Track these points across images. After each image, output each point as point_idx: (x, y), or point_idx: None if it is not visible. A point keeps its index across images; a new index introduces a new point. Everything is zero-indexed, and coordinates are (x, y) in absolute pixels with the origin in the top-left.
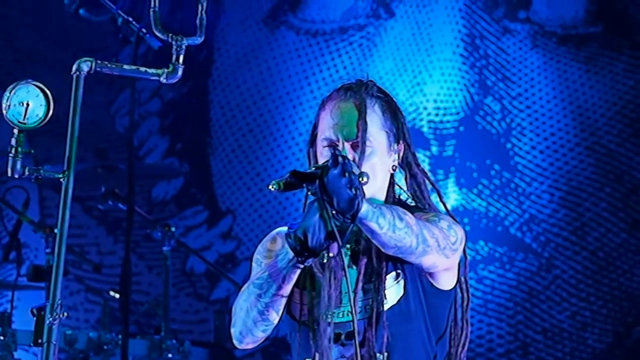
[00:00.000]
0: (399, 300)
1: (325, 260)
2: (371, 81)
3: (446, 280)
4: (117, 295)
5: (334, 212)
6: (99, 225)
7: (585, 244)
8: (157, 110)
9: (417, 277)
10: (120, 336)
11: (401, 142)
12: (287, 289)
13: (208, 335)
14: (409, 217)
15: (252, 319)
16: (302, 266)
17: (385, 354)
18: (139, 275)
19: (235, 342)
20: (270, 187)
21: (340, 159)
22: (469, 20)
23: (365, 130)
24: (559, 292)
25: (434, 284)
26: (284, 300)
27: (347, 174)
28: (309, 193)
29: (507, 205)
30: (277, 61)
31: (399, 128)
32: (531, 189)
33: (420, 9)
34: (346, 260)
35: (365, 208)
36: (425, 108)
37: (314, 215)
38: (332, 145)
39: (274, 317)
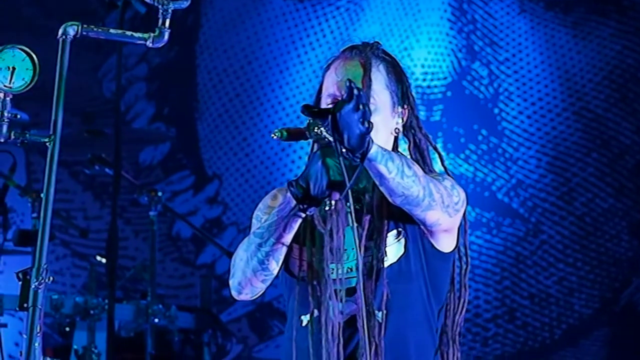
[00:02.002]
0: (399, 259)
1: (327, 208)
2: (377, 42)
3: (446, 242)
4: (104, 260)
5: (344, 149)
6: (85, 190)
7: (573, 209)
8: (144, 75)
9: (419, 237)
10: (106, 301)
11: (405, 106)
12: (288, 237)
13: (194, 300)
14: (417, 167)
15: (251, 269)
16: (303, 215)
17: (384, 311)
18: (125, 240)
19: (233, 292)
20: (273, 135)
21: (355, 90)
22: None
23: (369, 86)
24: (546, 258)
25: (435, 245)
26: (284, 250)
27: (360, 107)
28: (314, 134)
29: (495, 171)
30: (264, 26)
31: (404, 92)
32: (518, 154)
33: None
34: (348, 217)
35: (375, 149)
36: (412, 73)
37: (316, 163)
38: (336, 101)
39: (274, 266)
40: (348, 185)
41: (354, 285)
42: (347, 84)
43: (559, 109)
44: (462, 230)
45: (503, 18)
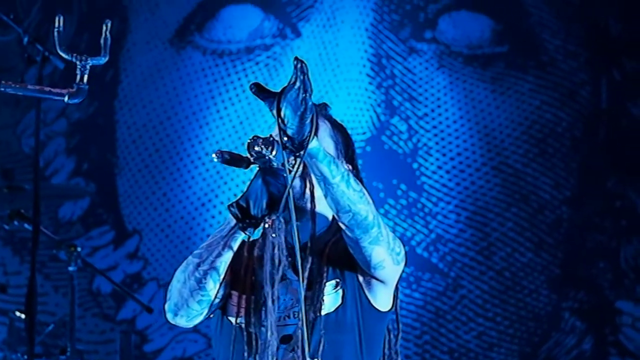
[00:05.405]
0: (336, 309)
1: (266, 226)
2: (325, 103)
3: (383, 297)
4: (23, 316)
5: (285, 138)
6: (5, 246)
7: (492, 263)
8: (63, 131)
9: (357, 290)
10: (25, 357)
11: (351, 166)
12: (227, 257)
13: (114, 356)
14: (367, 193)
15: (189, 288)
16: (243, 235)
17: None
18: (45, 295)
19: (168, 315)
20: (213, 155)
21: (301, 72)
22: (375, 40)
23: (316, 128)
24: (466, 312)
25: (371, 300)
26: (221, 274)
27: (302, 87)
28: (254, 153)
29: (414, 225)
30: (183, 81)
31: (348, 151)
32: (438, 209)
33: (327, 29)
34: (288, 272)
35: (316, 144)
36: None
37: (256, 182)
38: None
39: (211, 287)
40: (289, 185)
41: (290, 333)
42: (295, 62)
43: (478, 163)
44: (397, 291)
45: (422, 73)
